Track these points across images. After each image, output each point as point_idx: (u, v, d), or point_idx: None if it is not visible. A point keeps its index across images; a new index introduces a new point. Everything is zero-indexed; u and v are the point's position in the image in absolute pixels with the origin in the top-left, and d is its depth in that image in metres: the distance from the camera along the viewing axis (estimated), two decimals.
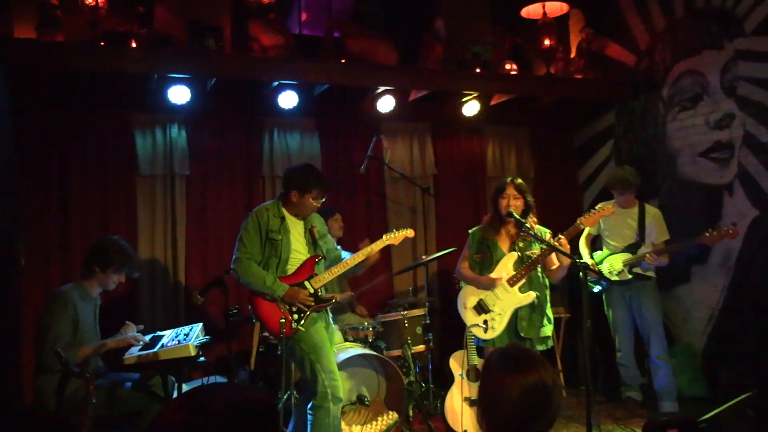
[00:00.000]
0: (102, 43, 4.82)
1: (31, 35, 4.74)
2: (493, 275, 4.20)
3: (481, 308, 4.23)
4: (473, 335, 4.37)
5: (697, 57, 5.70)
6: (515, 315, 4.18)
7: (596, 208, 4.28)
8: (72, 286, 3.90)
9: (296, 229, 4.12)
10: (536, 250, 4.20)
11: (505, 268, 4.21)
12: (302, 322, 3.92)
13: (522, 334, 4.17)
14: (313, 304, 3.96)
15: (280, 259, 4.00)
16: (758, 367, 5.14)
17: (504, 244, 4.29)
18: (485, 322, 4.20)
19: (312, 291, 4.00)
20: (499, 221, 4.29)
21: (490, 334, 4.18)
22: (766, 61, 5.14)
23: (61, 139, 5.19)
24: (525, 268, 4.15)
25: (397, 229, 4.31)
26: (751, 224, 5.26)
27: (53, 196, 5.15)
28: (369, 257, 4.19)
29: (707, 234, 4.82)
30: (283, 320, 3.84)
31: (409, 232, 4.35)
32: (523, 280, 4.15)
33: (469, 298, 4.31)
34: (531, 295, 4.16)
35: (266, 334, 4.86)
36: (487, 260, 4.30)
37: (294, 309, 3.93)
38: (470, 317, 4.28)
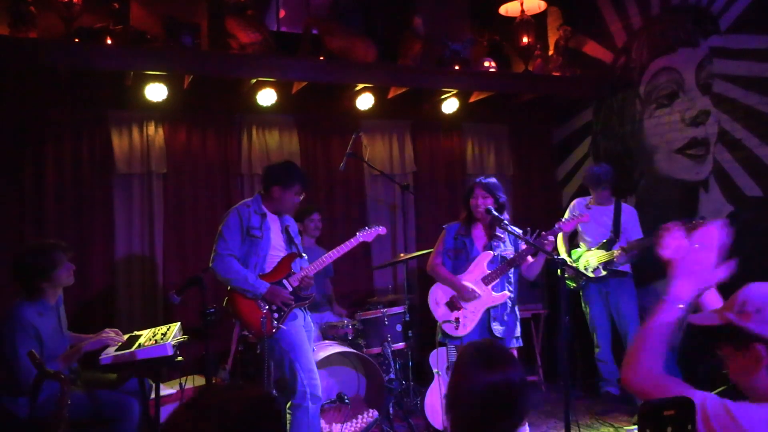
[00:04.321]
0: (76, 40, 4.76)
1: (4, 31, 4.67)
2: (469, 278, 4.19)
3: (453, 305, 4.23)
4: (441, 335, 4.31)
5: (673, 54, 5.75)
6: (487, 313, 4.19)
7: (575, 214, 4.38)
8: (25, 303, 3.57)
9: (275, 226, 4.12)
10: (509, 249, 4.25)
11: (480, 266, 4.22)
12: (282, 320, 3.91)
13: (497, 334, 4.17)
14: (293, 302, 3.96)
15: (259, 256, 3.99)
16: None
17: (478, 242, 4.31)
18: (457, 319, 4.20)
19: (291, 289, 3.99)
20: (472, 220, 4.31)
21: (462, 332, 4.18)
22: (740, 58, 5.20)
23: (35, 138, 5.11)
24: (501, 267, 4.17)
25: (370, 226, 4.39)
26: (725, 220, 5.32)
27: (27, 195, 5.07)
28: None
29: None
30: (264, 318, 3.83)
31: (381, 229, 4.41)
32: (497, 279, 4.18)
33: (442, 293, 4.32)
34: (505, 295, 4.19)
35: (245, 332, 4.85)
36: (461, 257, 4.29)
37: (274, 307, 3.92)
38: (443, 313, 4.27)
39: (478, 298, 4.16)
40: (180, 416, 1.36)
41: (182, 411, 1.37)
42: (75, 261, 3.83)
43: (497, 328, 4.17)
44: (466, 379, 1.87)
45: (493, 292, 4.17)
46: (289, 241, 4.15)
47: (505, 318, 4.21)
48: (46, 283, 3.65)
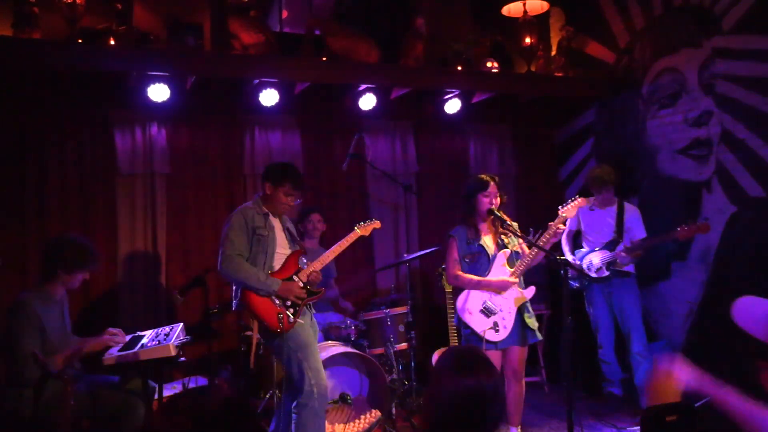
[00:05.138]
0: (80, 41, 4.76)
1: (8, 32, 4.67)
2: (502, 277, 4.18)
3: (489, 311, 4.16)
4: (466, 337, 4.24)
5: (676, 55, 5.74)
6: (519, 311, 4.20)
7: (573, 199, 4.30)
8: (32, 293, 3.71)
9: (277, 225, 4.14)
10: (516, 244, 4.28)
11: (500, 266, 4.21)
12: (298, 315, 3.94)
13: (533, 327, 4.23)
14: (306, 296, 3.99)
15: (267, 255, 4.00)
16: (736, 361, 5.19)
17: (490, 242, 4.30)
18: (495, 324, 4.13)
19: (302, 285, 4.01)
20: (477, 220, 4.29)
21: (503, 334, 4.13)
22: (743, 58, 5.19)
23: (38, 138, 5.12)
24: (523, 263, 4.16)
25: (364, 221, 4.44)
26: (728, 220, 5.31)
27: (31, 195, 5.08)
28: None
29: (679, 229, 4.91)
30: (281, 315, 3.85)
31: (376, 224, 4.49)
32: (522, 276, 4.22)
33: (473, 302, 4.20)
34: (532, 289, 4.21)
35: (249, 333, 4.85)
36: (481, 261, 4.25)
37: (289, 303, 3.93)
38: (480, 322, 4.16)
39: (513, 287, 4.17)
40: (159, 417, 1.38)
41: (161, 412, 1.38)
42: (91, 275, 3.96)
43: (531, 321, 4.22)
44: (438, 383, 1.87)
45: (521, 290, 4.21)
46: (292, 239, 4.19)
47: (531, 311, 4.29)
48: (63, 276, 3.73)
